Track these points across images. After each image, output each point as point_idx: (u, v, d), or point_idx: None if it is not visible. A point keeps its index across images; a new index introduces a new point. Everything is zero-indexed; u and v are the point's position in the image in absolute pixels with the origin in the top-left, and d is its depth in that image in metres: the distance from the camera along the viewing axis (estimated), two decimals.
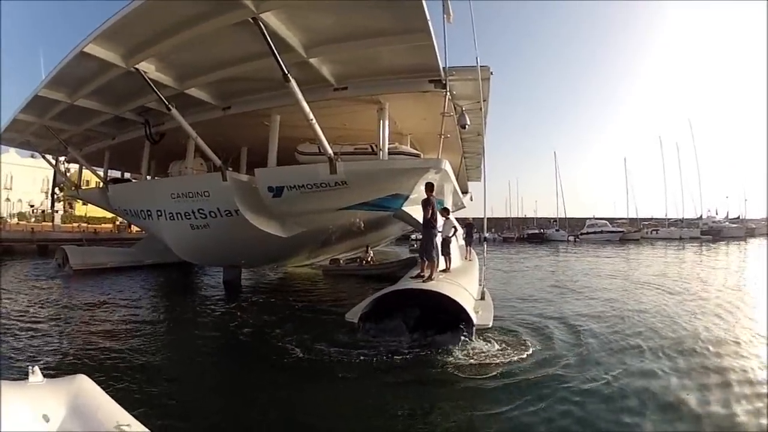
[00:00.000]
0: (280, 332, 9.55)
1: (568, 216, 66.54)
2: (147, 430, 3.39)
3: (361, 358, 7.72)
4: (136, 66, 9.89)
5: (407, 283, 10.10)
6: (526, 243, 54.26)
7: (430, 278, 9.85)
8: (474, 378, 6.79)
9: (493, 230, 64.56)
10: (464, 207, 27.46)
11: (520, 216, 76.00)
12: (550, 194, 71.65)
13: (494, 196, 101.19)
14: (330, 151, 10.95)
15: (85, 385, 4.01)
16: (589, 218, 64.43)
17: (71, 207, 48.29)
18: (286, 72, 9.14)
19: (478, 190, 31.28)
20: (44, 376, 3.99)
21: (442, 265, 11.59)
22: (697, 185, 73.81)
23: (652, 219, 64.48)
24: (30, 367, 3.93)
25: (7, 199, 46.08)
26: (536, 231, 62.57)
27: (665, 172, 67.14)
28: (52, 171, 23.52)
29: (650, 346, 8.47)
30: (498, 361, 7.50)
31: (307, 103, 10.32)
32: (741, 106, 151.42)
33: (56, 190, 25.66)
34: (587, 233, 58.15)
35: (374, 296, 9.48)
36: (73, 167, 24.91)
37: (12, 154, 44.08)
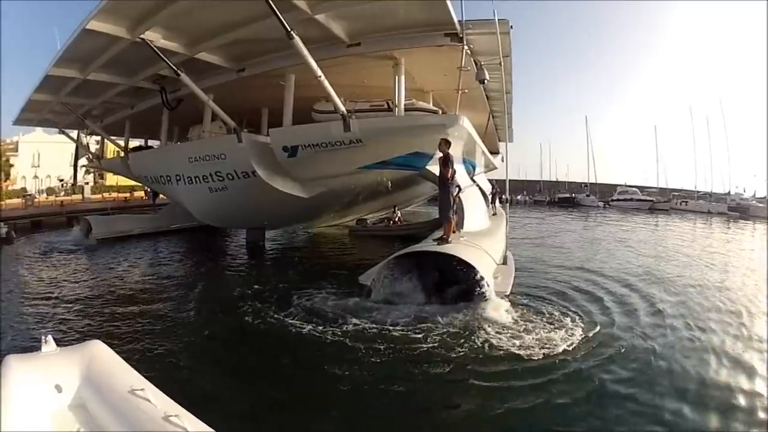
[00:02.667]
0: (286, 297, 9.32)
1: (598, 182, 65.67)
2: (161, 393, 3.37)
3: (361, 328, 7.43)
4: (142, 36, 9.70)
5: (423, 245, 9.89)
6: (557, 207, 53.57)
7: (445, 239, 9.56)
8: (487, 367, 6.10)
9: (525, 193, 64.15)
10: (495, 168, 26.71)
11: (552, 180, 75.10)
12: (581, 158, 70.63)
13: (526, 159, 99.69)
14: (342, 108, 10.74)
15: (98, 350, 4.02)
16: (620, 185, 63.35)
17: (102, 177, 49.13)
18: (289, 30, 8.84)
19: (510, 150, 30.42)
20: (59, 344, 4.00)
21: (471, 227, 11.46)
22: (726, 160, 72.22)
23: (681, 190, 63.20)
24: (43, 337, 3.95)
25: (35, 176, 47.21)
26: (567, 195, 61.79)
27: (695, 143, 65.40)
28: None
29: None
30: (511, 339, 6.86)
31: (321, 61, 10.13)
32: None
33: (83, 161, 25.94)
34: (617, 200, 57.19)
35: (388, 258, 9.35)
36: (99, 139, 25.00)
37: (39, 133, 44.88)
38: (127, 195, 40.38)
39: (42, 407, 3.39)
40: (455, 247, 9.16)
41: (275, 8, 8.18)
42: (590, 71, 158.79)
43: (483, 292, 8.13)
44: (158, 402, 3.20)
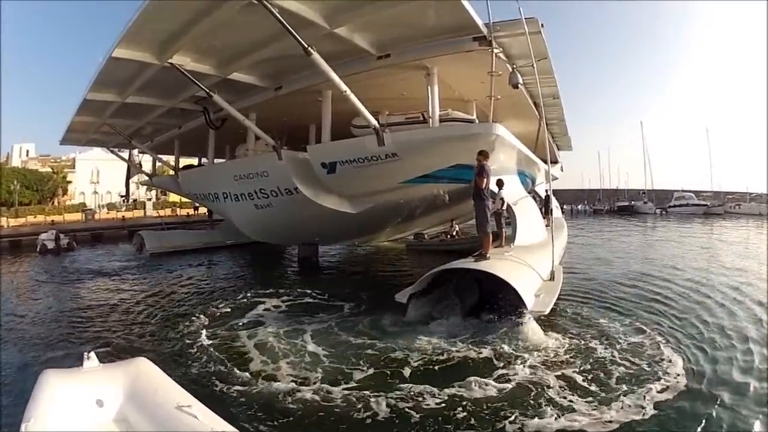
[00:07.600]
0: (320, 316, 9.26)
1: (655, 187, 65.04)
2: (209, 410, 3.40)
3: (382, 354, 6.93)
4: (171, 61, 9.84)
5: (459, 261, 9.29)
6: (615, 215, 53.24)
7: (483, 255, 9.08)
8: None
9: (585, 202, 64.68)
10: (556, 178, 25.54)
11: (611, 188, 73.70)
12: (638, 163, 69.40)
13: (587, 167, 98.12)
14: (374, 122, 10.61)
15: (144, 367, 4.03)
16: (677, 191, 61.83)
17: (164, 194, 51.03)
18: (306, 46, 8.75)
19: (570, 159, 29.00)
20: (102, 361, 4.03)
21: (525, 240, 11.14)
22: None
23: (735, 193, 61.07)
24: (85, 353, 3.99)
25: (95, 192, 49.68)
26: (626, 203, 61.26)
27: (744, 144, 63.39)
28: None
29: None
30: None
31: (353, 75, 10.13)
32: None
33: (141, 177, 27.15)
34: (674, 206, 55.80)
35: (424, 276, 8.90)
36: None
37: (97, 151, 46.86)
38: (189, 211, 41.77)
39: (81, 421, 3.44)
40: (491, 263, 8.65)
41: (288, 27, 8.12)
42: (642, 73, 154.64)
43: (520, 312, 7.64)
44: (205, 419, 3.24)
